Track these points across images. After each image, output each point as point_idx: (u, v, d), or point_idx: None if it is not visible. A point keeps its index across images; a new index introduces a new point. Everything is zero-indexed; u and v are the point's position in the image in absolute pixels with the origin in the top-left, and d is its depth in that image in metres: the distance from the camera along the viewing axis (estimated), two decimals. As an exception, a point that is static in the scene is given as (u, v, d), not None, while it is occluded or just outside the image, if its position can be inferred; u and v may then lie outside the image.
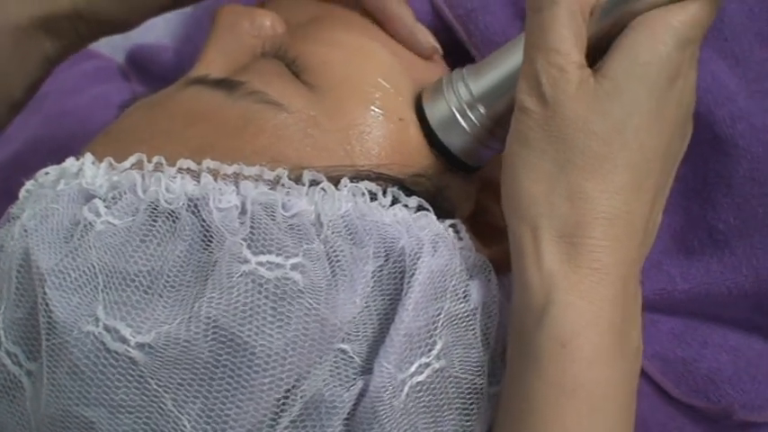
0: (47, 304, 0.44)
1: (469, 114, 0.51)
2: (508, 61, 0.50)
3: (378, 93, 0.52)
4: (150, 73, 0.88)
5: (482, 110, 0.51)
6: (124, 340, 0.42)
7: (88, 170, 0.48)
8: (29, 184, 0.51)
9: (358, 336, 0.46)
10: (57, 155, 0.75)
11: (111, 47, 0.93)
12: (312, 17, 0.58)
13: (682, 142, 0.50)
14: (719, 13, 0.57)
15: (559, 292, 0.45)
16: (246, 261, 0.43)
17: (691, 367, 0.62)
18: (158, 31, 0.94)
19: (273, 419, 0.44)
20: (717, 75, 0.61)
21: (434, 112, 0.52)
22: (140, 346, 0.42)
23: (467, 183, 0.55)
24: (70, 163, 0.49)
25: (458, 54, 0.62)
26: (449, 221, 0.51)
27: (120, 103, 0.83)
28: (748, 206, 0.61)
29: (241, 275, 0.43)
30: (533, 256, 0.46)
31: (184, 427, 0.43)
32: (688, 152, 0.59)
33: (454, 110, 0.51)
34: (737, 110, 0.60)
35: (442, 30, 0.63)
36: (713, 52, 0.61)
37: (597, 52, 0.46)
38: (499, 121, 0.50)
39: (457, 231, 0.51)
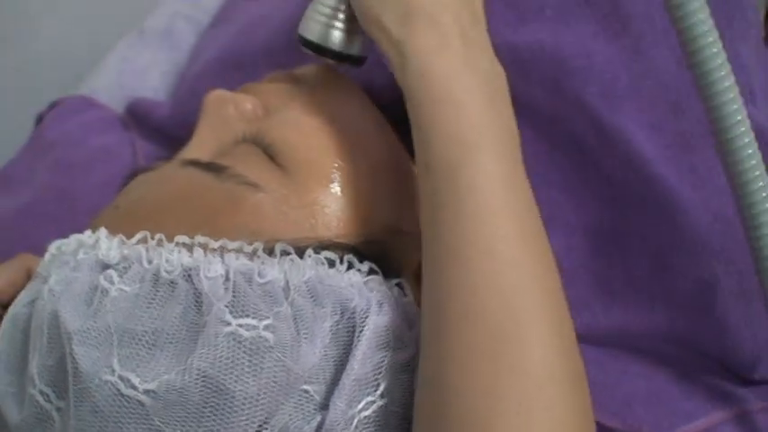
0: (73, 357, 0.49)
1: (336, 19, 0.63)
2: None
3: (336, 173, 0.58)
4: (147, 125, 0.94)
5: (341, 8, 0.62)
6: (134, 387, 0.48)
7: (103, 243, 0.54)
8: (53, 248, 0.58)
9: (318, 379, 0.52)
10: (63, 203, 0.83)
11: (110, 96, 1.01)
12: (286, 101, 0.64)
13: None
14: (639, 83, 0.65)
15: (407, 45, 0.55)
16: (229, 324, 0.49)
17: (611, 392, 0.68)
18: (153, 80, 1.02)
19: None
20: (632, 142, 0.66)
21: (312, 32, 0.64)
22: (147, 391, 0.48)
23: (412, 240, 0.59)
24: (87, 235, 0.55)
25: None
26: (395, 281, 0.57)
27: (119, 153, 0.89)
28: (662, 255, 0.67)
29: (224, 335, 0.49)
30: (386, 38, 0.56)
31: None
32: (610, 207, 0.67)
33: (325, 23, 0.63)
34: (654, 174, 0.66)
35: None
36: (631, 121, 0.66)
37: None
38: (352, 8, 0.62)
39: (402, 288, 0.57)
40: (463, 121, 0.53)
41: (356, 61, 0.65)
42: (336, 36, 0.64)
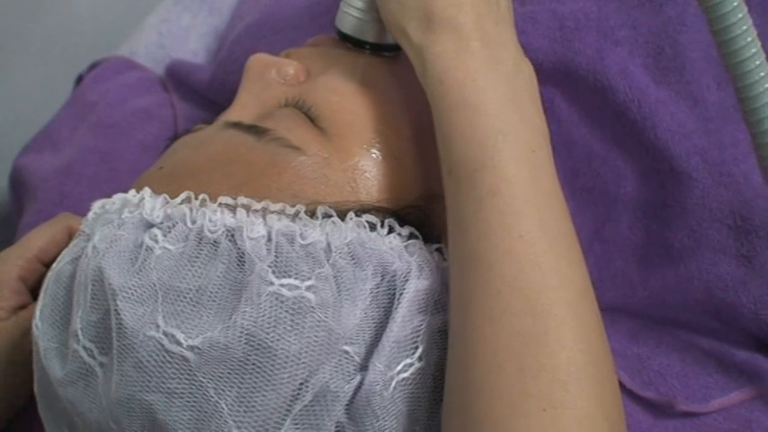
0: (118, 313, 0.50)
1: (370, 12, 0.64)
2: None
3: (378, 137, 0.59)
4: (187, 87, 0.95)
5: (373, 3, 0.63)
6: (178, 343, 0.49)
7: (148, 203, 0.55)
8: (97, 207, 0.59)
9: (358, 340, 0.52)
10: (104, 164, 0.84)
11: (149, 57, 1.02)
12: (328, 66, 0.64)
13: None
14: (684, 57, 0.66)
15: (426, 52, 0.56)
16: (271, 283, 0.50)
17: (645, 363, 0.69)
18: (193, 42, 1.02)
19: (290, 405, 0.50)
20: (676, 114, 0.67)
21: (348, 26, 0.65)
22: (191, 348, 0.49)
23: None
24: (131, 195, 0.56)
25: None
26: (435, 245, 0.58)
27: (159, 114, 0.90)
28: (699, 228, 0.67)
29: (267, 295, 0.50)
30: (408, 44, 0.58)
31: (222, 409, 0.49)
32: (650, 180, 0.67)
33: (359, 16, 0.64)
34: (692, 146, 0.66)
35: None
36: (674, 93, 0.68)
37: None
38: None
39: (442, 253, 0.58)
40: (481, 125, 0.53)
41: (394, 49, 0.66)
42: (371, 28, 0.65)
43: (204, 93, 0.93)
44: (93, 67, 1.02)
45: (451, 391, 0.51)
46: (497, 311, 0.49)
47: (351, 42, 0.66)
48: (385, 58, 0.66)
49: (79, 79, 1.02)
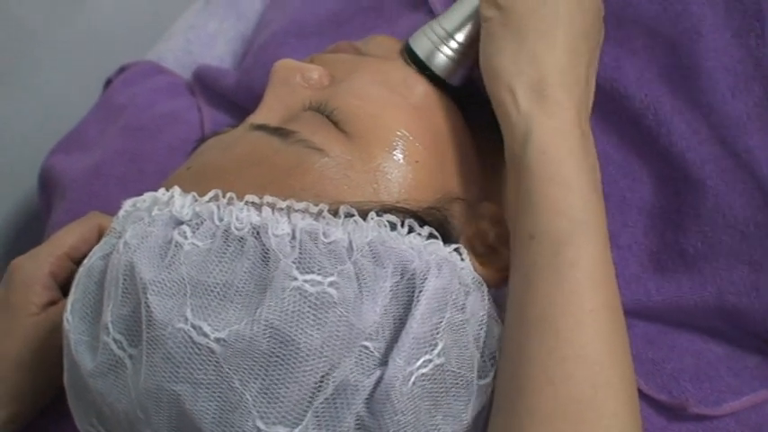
0: (148, 306, 0.52)
1: (446, 45, 0.66)
2: (469, 2, 0.67)
3: (398, 141, 0.60)
4: (214, 92, 0.96)
5: (456, 39, 0.66)
6: (206, 335, 0.51)
7: (177, 201, 0.56)
8: (128, 205, 0.60)
9: (378, 336, 0.54)
10: (132, 165, 0.86)
11: (177, 62, 1.04)
12: (350, 71, 0.65)
13: (598, 31, 0.65)
14: (700, 66, 0.67)
15: (535, 121, 0.58)
16: (295, 279, 0.52)
17: (659, 367, 0.70)
18: (219, 48, 1.04)
19: (311, 397, 0.52)
20: (691, 122, 0.68)
21: (421, 49, 0.67)
22: (217, 340, 0.50)
23: (469, 211, 0.62)
24: (161, 193, 0.58)
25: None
26: (453, 246, 0.59)
27: (186, 118, 0.91)
28: (713, 234, 0.68)
29: (291, 290, 0.51)
30: (513, 105, 0.59)
31: (247, 400, 0.51)
32: (665, 186, 0.68)
33: (435, 44, 0.67)
34: (707, 154, 0.68)
35: None
36: (690, 101, 0.69)
37: None
38: (469, 44, 0.66)
39: (459, 254, 0.59)
40: (573, 202, 0.56)
41: (450, 88, 0.67)
42: (442, 61, 0.67)
43: (230, 97, 0.94)
44: (121, 70, 1.04)
45: None
46: (560, 377, 0.52)
47: (413, 61, 0.67)
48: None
49: (108, 82, 1.04)
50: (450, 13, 0.68)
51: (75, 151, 0.94)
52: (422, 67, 0.67)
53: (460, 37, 0.66)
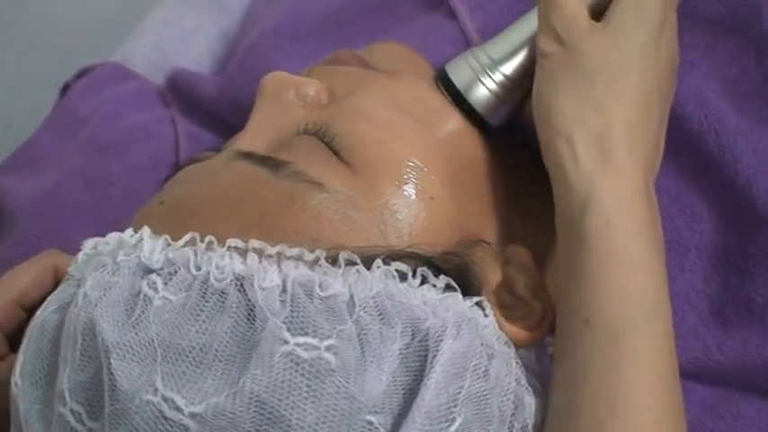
0: (111, 373, 0.52)
1: (490, 77, 0.66)
2: (520, 30, 0.67)
3: (410, 173, 0.61)
4: (191, 102, 0.96)
5: (502, 71, 0.66)
6: (179, 410, 0.51)
7: (146, 245, 0.56)
8: (88, 247, 0.60)
9: (384, 409, 0.53)
10: (95, 189, 0.86)
11: (148, 64, 1.03)
12: (355, 87, 0.66)
13: (671, 83, 0.65)
14: (764, 91, 0.68)
15: (597, 183, 0.59)
16: (286, 342, 0.52)
17: None
18: (198, 47, 1.04)
19: None
20: (759, 148, 0.69)
21: (459, 78, 0.67)
22: (193, 415, 0.50)
23: (494, 256, 0.63)
24: (128, 234, 0.58)
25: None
26: (475, 299, 0.59)
27: (158, 133, 0.92)
28: None
29: (281, 356, 0.51)
30: (571, 160, 0.60)
31: None
32: (728, 224, 0.69)
33: (477, 74, 0.67)
34: None
35: None
36: (757, 123, 0.69)
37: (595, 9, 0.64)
38: (517, 80, 0.67)
39: (482, 308, 0.60)
40: (640, 286, 0.57)
41: (486, 127, 0.68)
42: (483, 95, 0.67)
43: (211, 109, 0.94)
44: (81, 74, 1.04)
45: None
46: None
47: (447, 90, 0.68)
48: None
49: (65, 88, 1.04)
50: (497, 41, 0.68)
51: (28, 171, 0.94)
52: (458, 100, 0.67)
53: (508, 69, 0.67)
